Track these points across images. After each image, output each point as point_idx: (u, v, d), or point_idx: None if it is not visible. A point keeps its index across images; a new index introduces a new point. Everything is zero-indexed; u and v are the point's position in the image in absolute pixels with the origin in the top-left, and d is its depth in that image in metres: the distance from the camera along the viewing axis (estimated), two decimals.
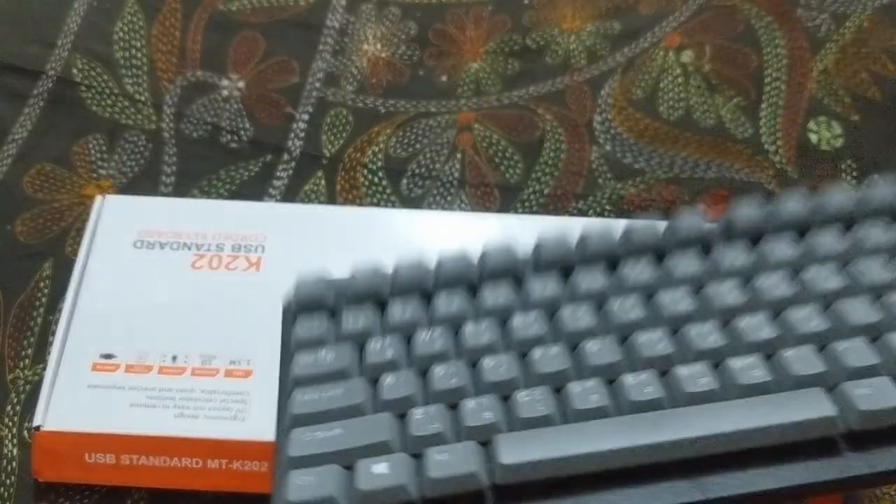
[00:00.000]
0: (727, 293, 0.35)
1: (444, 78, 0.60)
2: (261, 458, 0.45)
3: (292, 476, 0.31)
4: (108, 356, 0.47)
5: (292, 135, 0.58)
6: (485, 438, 0.31)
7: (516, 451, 0.30)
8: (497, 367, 0.34)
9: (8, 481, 0.48)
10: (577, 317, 0.35)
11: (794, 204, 0.38)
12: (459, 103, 0.59)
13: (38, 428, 0.46)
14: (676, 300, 0.35)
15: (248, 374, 0.47)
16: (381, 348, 0.36)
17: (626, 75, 0.59)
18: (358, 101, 0.59)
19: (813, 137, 0.57)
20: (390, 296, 0.39)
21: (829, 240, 0.36)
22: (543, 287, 0.37)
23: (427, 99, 0.59)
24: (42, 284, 0.53)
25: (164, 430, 0.45)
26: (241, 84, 0.60)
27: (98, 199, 0.53)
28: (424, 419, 0.32)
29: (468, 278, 0.39)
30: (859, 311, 0.33)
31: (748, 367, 0.32)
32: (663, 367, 0.33)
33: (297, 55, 0.61)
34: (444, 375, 0.34)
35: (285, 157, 0.57)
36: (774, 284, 0.35)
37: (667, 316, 0.35)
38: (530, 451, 0.30)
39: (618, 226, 0.39)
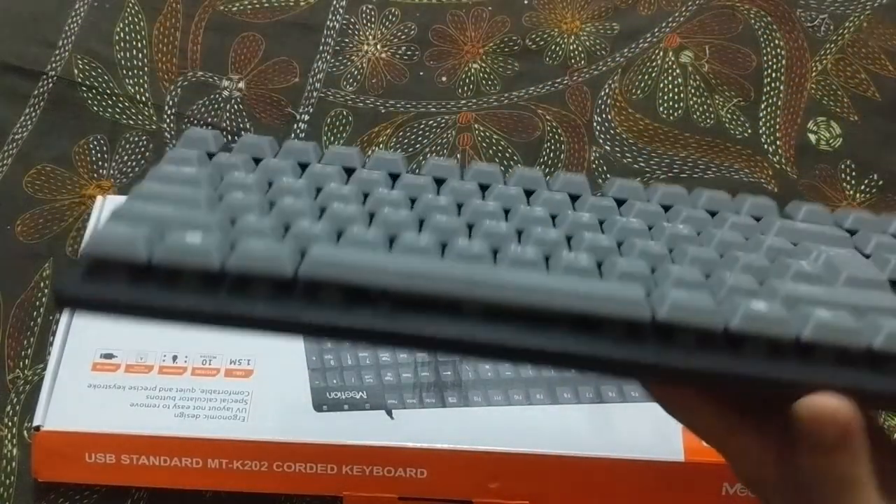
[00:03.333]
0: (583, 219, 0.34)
1: (444, 78, 0.60)
2: (261, 458, 0.45)
3: (106, 223, 0.28)
4: (108, 356, 0.47)
5: (293, 135, 0.58)
6: (303, 247, 0.29)
7: (327, 250, 0.28)
8: (337, 191, 0.32)
9: (8, 481, 0.48)
10: (429, 195, 0.34)
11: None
12: (459, 103, 0.59)
13: (38, 428, 0.46)
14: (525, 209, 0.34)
15: (248, 374, 0.47)
16: (239, 174, 0.33)
17: (625, 76, 0.59)
18: (358, 101, 0.59)
19: (812, 138, 0.57)
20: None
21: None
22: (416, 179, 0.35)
23: (427, 99, 0.59)
24: (42, 284, 0.53)
25: (164, 430, 0.45)
26: (241, 84, 0.60)
27: (98, 199, 0.53)
28: (244, 201, 0.31)
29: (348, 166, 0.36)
30: (699, 251, 0.32)
31: (576, 258, 0.30)
32: (496, 244, 0.31)
33: (297, 55, 0.61)
34: (292, 205, 0.31)
35: None
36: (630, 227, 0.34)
37: (516, 214, 0.33)
38: (341, 253, 0.28)
39: None
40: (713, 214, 0.37)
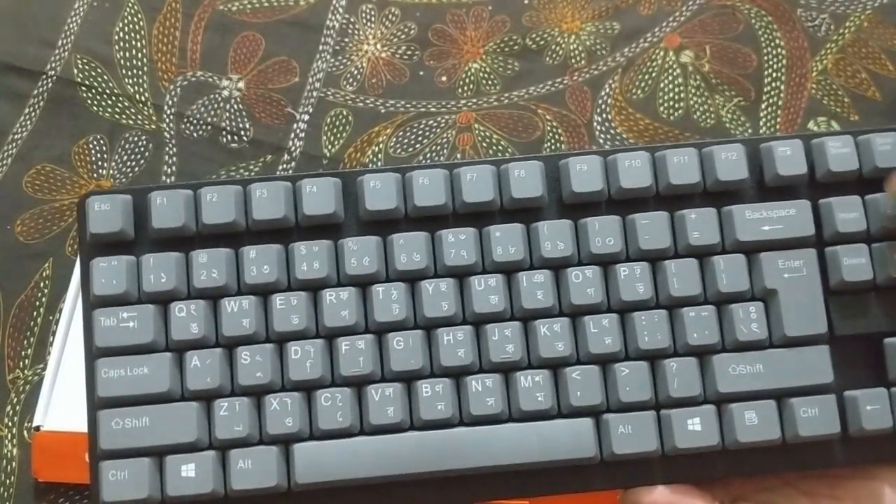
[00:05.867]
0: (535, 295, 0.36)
1: (444, 78, 0.60)
2: None
3: (105, 469, 0.34)
4: None
5: (292, 135, 0.58)
6: (286, 442, 0.35)
7: (311, 468, 0.34)
8: (303, 360, 0.34)
9: (8, 481, 0.48)
10: (387, 303, 0.35)
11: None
12: (459, 103, 0.59)
13: (38, 428, 0.46)
14: (485, 295, 0.36)
15: None
16: (186, 318, 0.34)
17: (625, 75, 0.59)
18: (358, 101, 0.59)
19: None
20: (196, 241, 0.36)
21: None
22: (360, 258, 0.35)
23: (427, 99, 0.59)
24: (42, 284, 0.53)
25: None
26: (241, 84, 0.60)
27: None
28: (229, 418, 0.34)
29: (282, 227, 0.36)
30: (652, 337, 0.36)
31: (533, 390, 0.35)
32: (461, 374, 0.35)
33: (297, 55, 0.61)
34: (250, 365, 0.34)
35: (285, 157, 0.57)
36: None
37: (471, 313, 0.36)
38: (323, 470, 0.34)
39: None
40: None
